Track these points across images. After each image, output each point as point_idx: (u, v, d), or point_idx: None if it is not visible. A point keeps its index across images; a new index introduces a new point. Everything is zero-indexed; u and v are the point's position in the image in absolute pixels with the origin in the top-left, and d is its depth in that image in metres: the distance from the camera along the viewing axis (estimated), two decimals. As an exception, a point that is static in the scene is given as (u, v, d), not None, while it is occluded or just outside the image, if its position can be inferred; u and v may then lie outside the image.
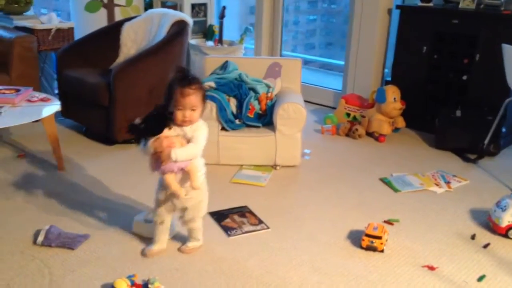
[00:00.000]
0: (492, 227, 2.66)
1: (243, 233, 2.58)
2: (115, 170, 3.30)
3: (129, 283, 2.07)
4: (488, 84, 3.75)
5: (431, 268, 2.33)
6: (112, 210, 2.77)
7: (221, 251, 2.42)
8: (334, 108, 4.61)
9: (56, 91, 4.18)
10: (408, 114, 4.03)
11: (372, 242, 2.44)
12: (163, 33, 3.82)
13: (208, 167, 3.27)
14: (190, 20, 3.89)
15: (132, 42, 4.10)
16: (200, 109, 2.12)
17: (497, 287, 2.21)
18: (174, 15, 3.92)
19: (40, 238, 2.40)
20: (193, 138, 2.11)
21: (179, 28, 3.79)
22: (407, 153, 3.71)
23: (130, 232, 2.54)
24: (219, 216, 2.72)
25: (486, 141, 3.57)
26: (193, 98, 2.07)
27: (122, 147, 3.66)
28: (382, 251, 2.44)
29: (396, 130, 4.05)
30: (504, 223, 2.58)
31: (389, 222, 2.71)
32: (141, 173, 3.24)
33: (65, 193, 2.94)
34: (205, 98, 2.14)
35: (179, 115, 2.09)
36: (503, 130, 3.72)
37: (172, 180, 2.15)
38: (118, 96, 3.50)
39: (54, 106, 3.17)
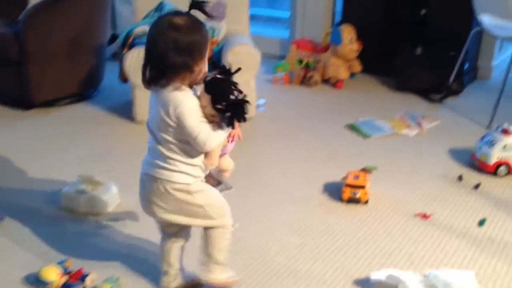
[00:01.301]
0: (478, 165, 2.39)
1: (201, 196, 2.14)
2: (35, 138, 2.74)
3: (61, 271, 1.58)
4: (449, 17, 3.46)
5: (425, 216, 2.02)
6: (34, 184, 2.23)
7: (177, 219, 1.98)
8: (282, 57, 4.20)
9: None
10: (363, 57, 3.69)
11: (354, 193, 2.09)
12: (81, -27, 3.21)
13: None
14: (112, -42, 3.30)
15: (44, -13, 3.44)
16: None
17: (501, 230, 1.93)
18: (93, -49, 3.30)
19: None
20: None
21: (101, -34, 3.19)
22: (368, 98, 3.39)
23: (58, 207, 2.03)
24: (169, 179, 2.26)
25: (451, 79, 3.31)
26: None
27: (42, 111, 3.07)
28: (366, 202, 2.10)
29: (352, 75, 3.71)
30: (493, 159, 2.31)
31: (366, 170, 2.37)
32: (68, 140, 2.72)
33: (-28, 168, 2.37)
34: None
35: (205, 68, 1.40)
36: (466, 66, 3.48)
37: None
38: (31, 48, 2.90)
39: None
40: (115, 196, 2.04)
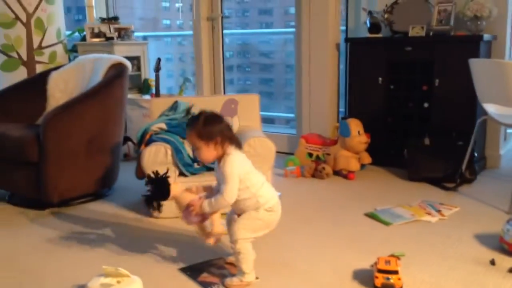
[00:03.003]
0: (508, 249, 2.33)
1: (228, 287, 2.07)
2: (53, 237, 2.67)
3: None
4: (451, 108, 3.59)
5: (464, 300, 1.93)
6: (55, 282, 2.15)
7: (207, 312, 1.89)
8: (290, 153, 4.28)
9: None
10: (372, 150, 3.75)
11: (388, 278, 2.01)
12: (98, 78, 3.35)
13: (168, 221, 2.77)
14: (128, 63, 3.46)
15: (62, 92, 3.58)
16: (204, 148, 2.00)
17: (547, 312, 1.84)
18: (110, 58, 3.48)
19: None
20: (222, 184, 2.02)
21: (117, 70, 3.34)
22: (382, 188, 3.40)
23: (82, 303, 1.94)
24: (193, 272, 2.19)
25: (463, 167, 3.34)
26: (189, 138, 2.05)
27: (57, 210, 3.04)
28: (400, 288, 2.02)
29: (362, 167, 3.75)
30: (523, 241, 2.27)
31: (394, 256, 2.30)
32: (87, 237, 2.67)
33: (-13, 268, 2.29)
34: (208, 136, 1.99)
35: None
36: (475, 155, 3.53)
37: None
38: (50, 149, 2.93)
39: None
40: (140, 290, 1.96)
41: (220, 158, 2.03)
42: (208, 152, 2.01)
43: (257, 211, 2.05)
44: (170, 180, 2.11)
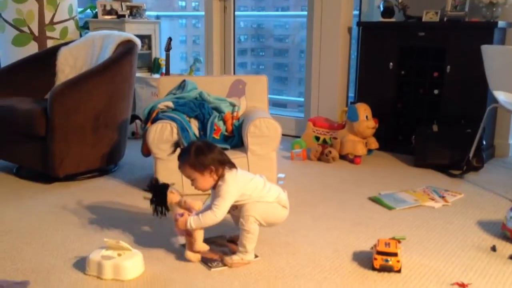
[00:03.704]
0: (510, 236, 2.32)
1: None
2: (58, 209, 2.70)
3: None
4: (462, 96, 3.56)
5: (462, 285, 1.93)
6: (58, 251, 2.18)
7: (206, 287, 1.90)
8: (297, 137, 4.27)
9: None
10: (379, 135, 3.73)
11: (386, 260, 2.01)
12: (107, 54, 3.35)
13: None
14: (137, 40, 3.46)
15: (71, 68, 3.59)
16: (199, 178, 2.02)
17: (546, 299, 1.84)
18: (119, 35, 3.48)
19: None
20: (216, 199, 2.02)
21: (126, 48, 3.34)
22: (388, 173, 3.38)
23: (83, 274, 1.97)
24: (194, 248, 2.21)
25: (470, 155, 3.31)
26: (183, 171, 2.04)
27: (63, 184, 3.07)
28: (399, 271, 2.02)
29: (369, 152, 3.74)
30: (525, 229, 2.25)
31: (395, 239, 2.30)
32: (91, 211, 2.70)
33: (-8, 237, 2.32)
34: (202, 166, 2.00)
35: None
36: (484, 143, 3.50)
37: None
38: (57, 123, 2.95)
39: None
40: (141, 263, 1.98)
41: (216, 182, 2.04)
42: (205, 181, 2.02)
43: (271, 202, 2.09)
44: (169, 189, 2.12)
